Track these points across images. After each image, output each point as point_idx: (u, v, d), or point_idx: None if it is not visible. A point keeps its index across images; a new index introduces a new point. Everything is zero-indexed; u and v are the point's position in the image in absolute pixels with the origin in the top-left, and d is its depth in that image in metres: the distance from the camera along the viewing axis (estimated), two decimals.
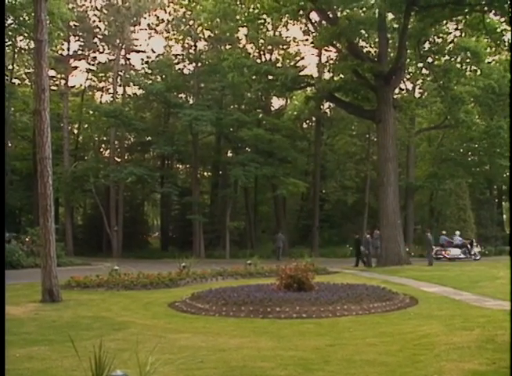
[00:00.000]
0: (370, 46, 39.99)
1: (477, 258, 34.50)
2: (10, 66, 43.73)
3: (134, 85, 48.02)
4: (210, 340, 9.65)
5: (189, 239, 46.10)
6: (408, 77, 43.90)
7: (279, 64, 46.95)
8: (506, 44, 32.97)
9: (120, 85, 49.46)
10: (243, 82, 39.21)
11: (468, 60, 38.11)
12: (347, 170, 52.66)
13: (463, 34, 36.24)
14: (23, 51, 44.05)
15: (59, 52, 46.22)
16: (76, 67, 49.85)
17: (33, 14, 17.29)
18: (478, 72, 40.41)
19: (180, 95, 49.66)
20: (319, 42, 35.24)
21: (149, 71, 49.31)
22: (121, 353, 8.11)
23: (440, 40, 35.84)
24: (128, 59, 50.70)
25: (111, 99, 50.86)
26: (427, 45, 35.62)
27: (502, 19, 30.38)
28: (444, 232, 37.27)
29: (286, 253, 41.28)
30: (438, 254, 34.77)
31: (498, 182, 50.90)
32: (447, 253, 34.62)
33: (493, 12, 29.26)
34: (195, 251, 41.10)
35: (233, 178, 41.85)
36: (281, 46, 48.10)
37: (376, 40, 35.58)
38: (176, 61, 48.75)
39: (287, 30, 47.44)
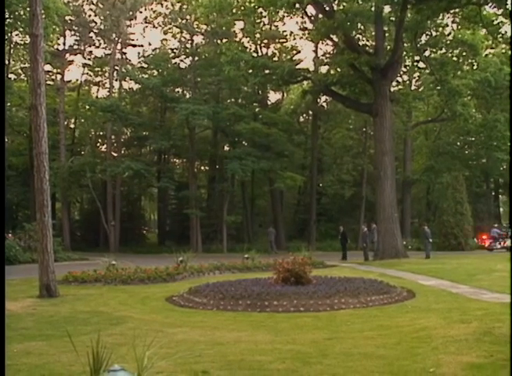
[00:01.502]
0: (367, 39, 39.94)
1: None
2: (6, 61, 43.58)
3: (130, 80, 47.95)
4: (208, 334, 9.65)
5: (186, 233, 46.17)
6: (404, 70, 43.88)
7: (275, 58, 46.84)
8: (503, 37, 32.98)
9: (116, 80, 49.39)
10: (239, 76, 39.16)
11: (465, 53, 38.12)
12: (344, 164, 52.75)
13: (460, 27, 36.22)
14: (18, 46, 44.00)
15: (55, 46, 46.20)
16: (72, 62, 49.87)
17: (28, 9, 17.20)
18: (475, 65, 40.42)
19: (176, 90, 49.64)
20: (316, 36, 35.16)
21: (146, 65, 49.24)
22: (119, 348, 8.11)
23: (437, 33, 35.80)
24: (124, 53, 50.79)
25: (107, 93, 50.85)
26: (423, 38, 35.61)
27: (499, 12, 30.35)
28: (496, 225, 38.29)
29: (282, 246, 41.42)
30: (493, 246, 36.32)
31: (495, 176, 51.01)
32: (505, 244, 35.66)
33: (490, 4, 29.19)
34: (192, 245, 41.11)
35: (230, 172, 41.84)
36: (277, 40, 47.99)
37: (373, 33, 35.53)
38: (172, 55, 48.68)
39: (284, 24, 47.46)
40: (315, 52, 46.47)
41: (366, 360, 7.45)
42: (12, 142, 50.50)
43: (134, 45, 50.32)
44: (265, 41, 47.21)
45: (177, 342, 8.90)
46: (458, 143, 50.31)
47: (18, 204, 50.91)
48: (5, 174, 40.98)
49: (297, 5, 32.01)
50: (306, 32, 41.33)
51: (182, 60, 48.82)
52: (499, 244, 36.04)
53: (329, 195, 53.30)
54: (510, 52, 35.45)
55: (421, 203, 56.76)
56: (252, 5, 32.56)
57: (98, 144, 57.27)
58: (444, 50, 37.30)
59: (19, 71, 50.10)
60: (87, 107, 51.19)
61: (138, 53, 50.26)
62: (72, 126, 54.54)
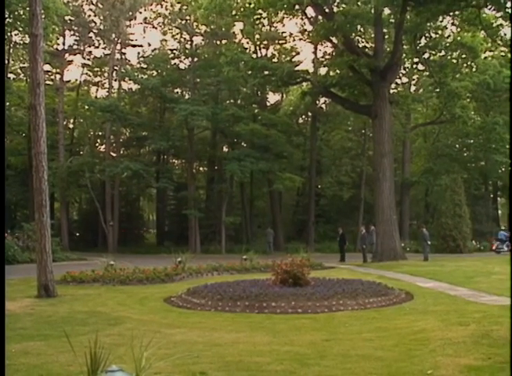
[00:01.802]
0: (366, 41, 39.96)
1: None
2: (5, 61, 43.54)
3: (129, 80, 47.88)
4: (206, 335, 9.65)
5: (184, 234, 46.12)
6: (404, 72, 43.90)
7: (274, 59, 46.86)
8: (503, 39, 33.03)
9: (115, 80, 49.33)
10: (238, 77, 39.18)
11: (464, 56, 38.16)
12: (342, 165, 52.70)
13: (459, 30, 36.25)
14: (18, 45, 43.94)
15: (55, 46, 46.17)
16: (71, 62, 49.79)
17: (28, 8, 17.20)
18: (474, 68, 40.45)
19: (176, 90, 49.62)
20: (315, 38, 35.18)
21: (145, 66, 49.21)
22: (117, 348, 8.10)
23: (436, 35, 35.84)
24: (124, 53, 50.67)
25: (107, 93, 50.79)
26: (423, 41, 35.63)
27: (498, 15, 30.39)
28: (503, 227, 38.15)
29: (281, 248, 41.39)
30: (500, 248, 36.44)
31: (493, 178, 50.95)
32: None
33: (489, 7, 29.22)
34: (191, 246, 41.10)
35: (229, 173, 41.82)
36: (277, 41, 48.01)
37: (373, 35, 35.55)
38: (172, 56, 48.64)
39: (283, 25, 47.51)
40: (315, 53, 46.50)
41: (364, 362, 7.46)
42: (11, 142, 50.43)
43: (133, 46, 50.27)
44: (265, 42, 47.25)
45: (175, 343, 8.90)
46: (457, 146, 50.31)
47: (16, 203, 50.87)
48: (5, 173, 41.01)
49: (297, 7, 32.05)
50: (306, 34, 41.41)
51: (181, 61, 48.79)
52: (507, 246, 36.02)
53: (328, 196, 53.26)
54: (509, 55, 35.50)
55: (420, 205, 56.74)
56: (252, 6, 32.57)
57: (97, 144, 57.21)
58: (443, 52, 37.34)
59: (19, 71, 50.05)
60: (86, 107, 51.14)
61: (138, 54, 50.28)
62: (71, 126, 54.49)
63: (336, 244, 36.39)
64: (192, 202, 44.67)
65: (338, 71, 35.56)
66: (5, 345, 6.55)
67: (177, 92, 49.63)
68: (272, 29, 46.67)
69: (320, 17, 33.70)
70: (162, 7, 47.17)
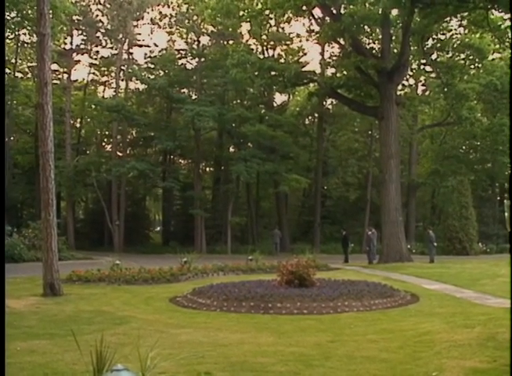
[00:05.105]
0: (373, 42, 39.89)
1: None
2: (13, 60, 43.76)
3: (136, 80, 47.99)
4: (211, 335, 9.65)
5: (190, 234, 46.12)
6: (411, 73, 43.82)
7: (281, 60, 46.81)
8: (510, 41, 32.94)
9: (122, 80, 49.48)
10: (245, 78, 39.14)
11: (472, 57, 38.06)
12: (349, 166, 52.61)
13: (467, 31, 36.16)
14: (25, 45, 44.14)
15: (62, 46, 46.34)
16: (78, 61, 49.92)
17: (36, 8, 17.25)
18: (481, 69, 40.34)
19: (182, 91, 49.65)
20: (323, 39, 35.16)
21: (152, 66, 49.29)
22: (122, 348, 8.12)
23: (444, 37, 35.76)
24: (131, 53, 50.78)
25: (114, 93, 50.90)
26: (430, 42, 35.55)
27: (506, 17, 30.27)
28: None
29: (286, 248, 41.36)
30: None
31: (500, 180, 50.75)
32: None
33: (497, 9, 29.10)
34: (196, 246, 41.14)
35: (235, 173, 41.84)
36: (284, 42, 48.01)
37: (380, 36, 35.49)
38: (179, 56, 48.71)
39: (290, 25, 47.50)
40: (322, 54, 46.50)
41: (369, 364, 7.45)
42: (18, 141, 50.66)
43: (140, 46, 50.41)
44: (272, 42, 47.25)
45: (180, 343, 8.91)
46: (464, 147, 50.16)
47: (23, 202, 51.02)
48: (12, 172, 41.24)
49: (304, 8, 32.01)
50: (313, 34, 41.39)
51: (188, 61, 48.89)
52: None
53: (334, 197, 53.22)
54: None
55: (426, 207, 56.60)
56: (259, 7, 32.56)
57: (103, 144, 57.38)
58: (451, 54, 37.26)
59: (26, 70, 50.19)
60: (93, 107, 51.26)
61: (145, 54, 50.38)
62: (78, 125, 54.59)
63: (341, 246, 36.36)
64: (198, 202, 44.71)
65: (345, 72, 35.49)
66: (5, 343, 6.57)
67: (184, 93, 49.65)
68: (279, 30, 46.69)
69: (327, 18, 33.64)
70: (169, 7, 47.31)
